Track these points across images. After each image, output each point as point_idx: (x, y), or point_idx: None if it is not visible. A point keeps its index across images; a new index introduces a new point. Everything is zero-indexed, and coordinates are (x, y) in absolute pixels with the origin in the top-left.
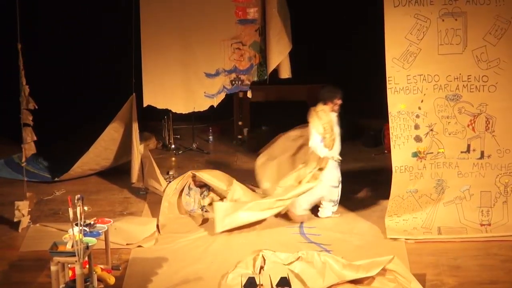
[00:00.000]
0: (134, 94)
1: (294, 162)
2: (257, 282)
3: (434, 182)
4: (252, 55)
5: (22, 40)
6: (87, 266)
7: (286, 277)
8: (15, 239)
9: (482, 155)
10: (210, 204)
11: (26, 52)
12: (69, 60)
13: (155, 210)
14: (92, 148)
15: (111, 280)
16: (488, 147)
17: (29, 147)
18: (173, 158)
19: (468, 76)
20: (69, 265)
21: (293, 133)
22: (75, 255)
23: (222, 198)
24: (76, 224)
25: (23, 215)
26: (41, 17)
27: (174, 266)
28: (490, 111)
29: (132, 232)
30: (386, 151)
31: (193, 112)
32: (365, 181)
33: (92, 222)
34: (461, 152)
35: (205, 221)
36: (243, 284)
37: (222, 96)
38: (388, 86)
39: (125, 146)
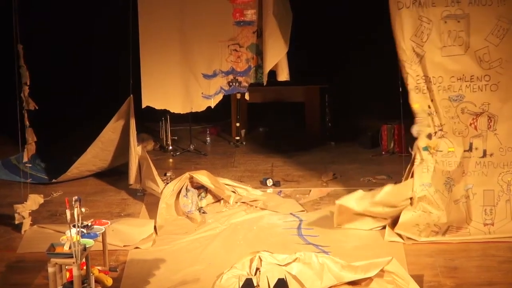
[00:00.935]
0: (131, 95)
1: None
2: (254, 284)
3: (443, 178)
4: (249, 57)
5: (20, 41)
6: (85, 267)
7: (283, 279)
8: (12, 241)
9: (484, 154)
10: (207, 205)
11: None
12: (68, 61)
13: (152, 212)
14: (89, 149)
15: (109, 282)
16: (491, 145)
17: (31, 148)
18: (171, 160)
19: (471, 76)
20: (66, 267)
21: None
22: (72, 257)
23: (219, 199)
24: (74, 226)
25: (24, 218)
26: (39, 18)
27: (171, 268)
28: (493, 110)
29: (129, 233)
30: (383, 152)
31: (191, 113)
32: (362, 183)
33: (89, 224)
34: (464, 151)
35: (202, 222)
36: (240, 286)
37: (219, 97)
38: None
39: (123, 148)
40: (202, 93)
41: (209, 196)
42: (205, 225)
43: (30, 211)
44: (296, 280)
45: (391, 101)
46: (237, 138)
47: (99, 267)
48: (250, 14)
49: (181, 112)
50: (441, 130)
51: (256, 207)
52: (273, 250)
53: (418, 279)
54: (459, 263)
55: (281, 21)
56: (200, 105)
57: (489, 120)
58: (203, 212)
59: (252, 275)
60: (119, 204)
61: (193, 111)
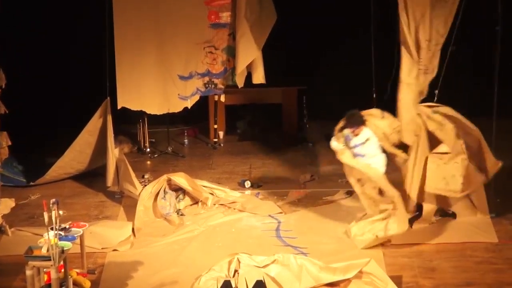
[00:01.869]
0: (108, 98)
1: None
2: (233, 286)
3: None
4: (225, 59)
5: None
6: (63, 270)
7: (261, 280)
8: None
9: None
10: (185, 207)
11: None
12: (45, 64)
13: (130, 214)
14: (67, 152)
15: (87, 284)
16: None
17: (3, 152)
18: (148, 162)
19: None
20: (44, 270)
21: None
22: (50, 260)
23: (197, 202)
24: (52, 228)
25: None
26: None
27: (149, 270)
28: None
29: (107, 236)
30: None
31: (168, 115)
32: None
33: (67, 226)
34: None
35: (180, 224)
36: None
37: (196, 98)
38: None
39: (100, 150)
40: (178, 94)
41: (187, 198)
42: (183, 227)
43: (2, 215)
44: (274, 282)
45: (368, 102)
46: (215, 140)
47: (77, 270)
48: (225, 17)
49: (158, 113)
50: None
51: (234, 209)
52: (251, 252)
53: (397, 280)
54: (436, 264)
55: (255, 23)
56: (176, 106)
57: None
58: (181, 214)
59: (230, 277)
60: (97, 206)
61: (170, 112)
